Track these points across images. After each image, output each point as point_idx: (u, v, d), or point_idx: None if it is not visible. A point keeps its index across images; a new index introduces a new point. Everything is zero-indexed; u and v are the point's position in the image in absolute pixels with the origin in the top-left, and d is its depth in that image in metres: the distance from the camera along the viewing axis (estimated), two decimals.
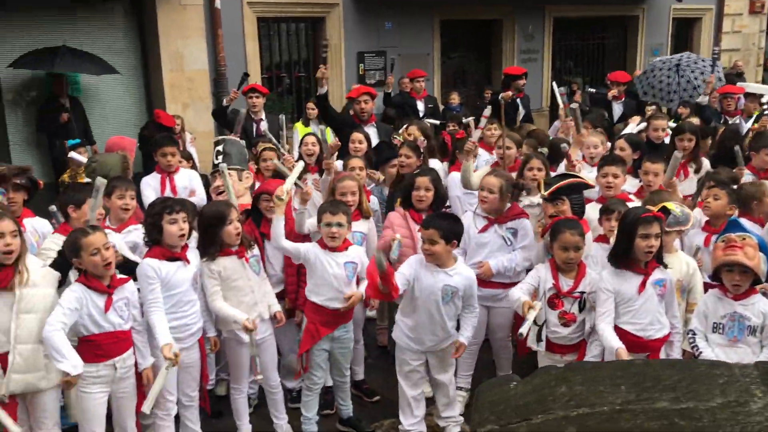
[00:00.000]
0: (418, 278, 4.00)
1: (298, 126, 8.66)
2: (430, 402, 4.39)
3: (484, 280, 4.42)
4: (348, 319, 4.29)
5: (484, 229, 4.56)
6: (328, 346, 4.24)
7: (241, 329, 3.97)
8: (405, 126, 6.76)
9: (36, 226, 4.39)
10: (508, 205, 4.59)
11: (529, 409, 1.40)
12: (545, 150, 5.96)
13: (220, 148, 5.03)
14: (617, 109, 8.72)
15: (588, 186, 4.56)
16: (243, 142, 5.23)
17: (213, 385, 4.85)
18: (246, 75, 8.07)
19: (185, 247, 3.97)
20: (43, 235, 4.40)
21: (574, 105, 6.41)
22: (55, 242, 3.94)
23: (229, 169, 4.90)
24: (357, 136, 6.03)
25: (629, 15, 14.10)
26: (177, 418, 4.05)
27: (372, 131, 6.63)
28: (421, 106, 9.33)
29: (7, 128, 8.95)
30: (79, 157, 5.64)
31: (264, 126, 7.19)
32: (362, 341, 4.92)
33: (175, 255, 3.89)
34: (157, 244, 3.89)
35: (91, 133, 8.98)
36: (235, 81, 9.26)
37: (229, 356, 4.30)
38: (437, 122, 7.76)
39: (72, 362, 3.34)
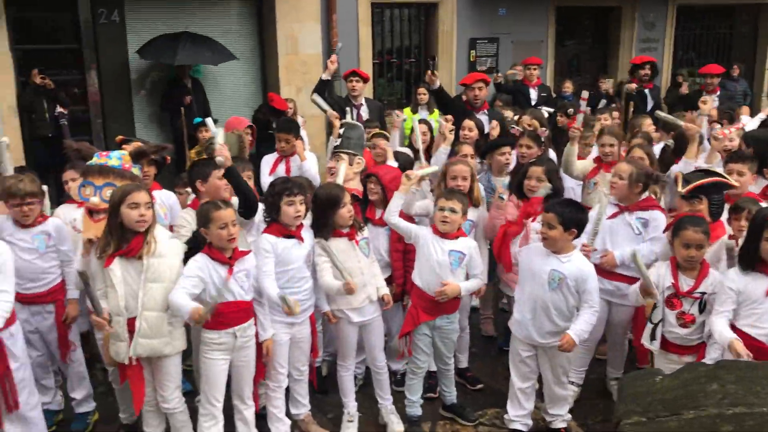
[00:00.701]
0: (530, 262, 3.96)
1: (406, 111, 8.68)
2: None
3: (608, 272, 4.30)
4: (452, 310, 4.26)
5: (612, 216, 4.42)
6: (429, 332, 4.24)
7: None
8: (518, 115, 6.65)
9: (163, 198, 4.63)
10: (645, 194, 4.42)
11: (678, 403, 1.34)
12: (671, 142, 5.70)
13: (341, 130, 5.12)
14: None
15: (731, 186, 4.29)
16: (362, 127, 5.29)
17: (319, 362, 4.97)
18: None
19: (300, 226, 4.08)
20: (170, 207, 4.64)
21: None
22: (186, 217, 4.14)
23: (342, 152, 5.00)
24: (468, 123, 5.98)
25: (763, 2, 13.21)
26: (287, 391, 4.19)
27: (484, 119, 6.55)
28: (534, 94, 9.13)
29: (133, 107, 9.45)
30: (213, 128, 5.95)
31: (364, 111, 7.20)
32: (468, 329, 4.89)
33: (290, 233, 4.01)
34: (274, 221, 4.02)
35: (211, 113, 9.34)
36: (347, 65, 9.42)
37: (336, 334, 4.39)
38: (551, 110, 7.56)
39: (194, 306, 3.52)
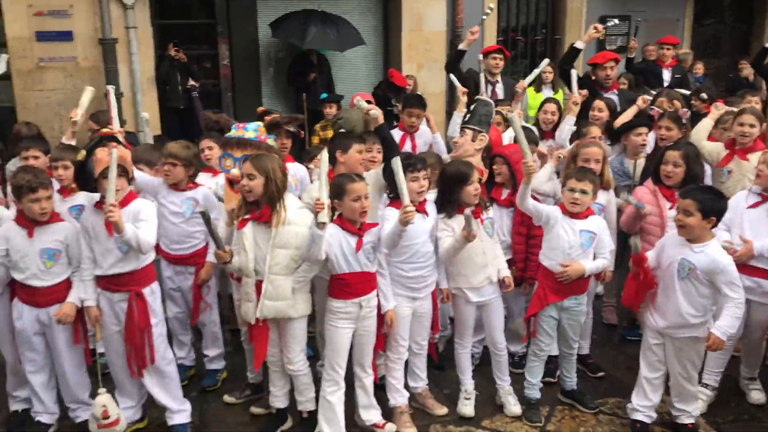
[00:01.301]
0: (663, 249, 3.83)
1: (529, 91, 8.46)
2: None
3: (748, 267, 4.06)
4: (581, 291, 4.17)
5: (754, 206, 4.16)
6: (556, 314, 4.15)
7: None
8: (653, 96, 6.33)
9: (295, 170, 4.76)
10: None
11: None
12: None
13: (472, 106, 5.06)
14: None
15: None
16: (492, 104, 5.21)
17: (436, 339, 4.98)
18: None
19: (424, 201, 4.08)
20: (300, 179, 4.77)
21: None
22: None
23: (467, 127, 4.94)
24: (598, 103, 5.78)
25: None
26: (405, 364, 4.24)
27: (613, 99, 6.29)
28: (666, 75, 8.67)
29: (261, 81, 9.77)
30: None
31: (499, 89, 7.07)
32: (591, 315, 4.75)
33: (415, 208, 4.02)
34: (397, 197, 4.04)
35: (334, 89, 9.51)
36: (474, 43, 9.27)
37: (455, 312, 4.38)
38: (686, 92, 7.15)
39: None
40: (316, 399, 4.02)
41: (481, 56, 7.16)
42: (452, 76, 6.41)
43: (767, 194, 4.14)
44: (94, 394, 3.99)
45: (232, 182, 4.10)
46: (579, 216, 4.05)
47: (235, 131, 4.19)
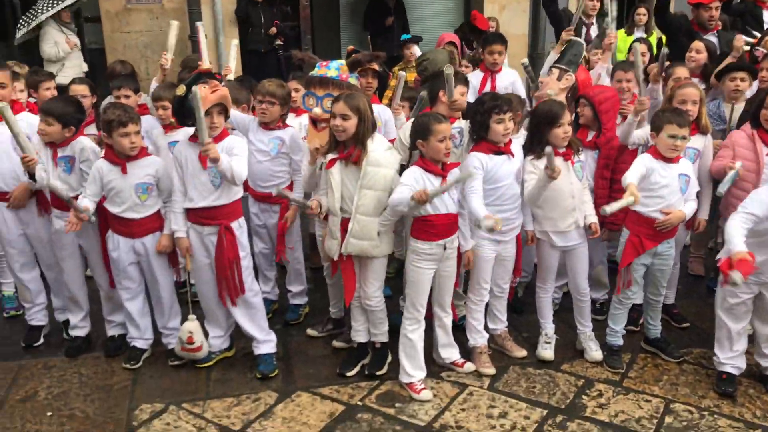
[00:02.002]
0: (759, 196, 3.65)
1: (620, 34, 8.10)
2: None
3: None
4: (672, 235, 4.06)
5: None
6: (648, 261, 4.05)
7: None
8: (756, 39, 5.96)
9: (380, 111, 4.72)
10: None
11: None
12: None
13: (563, 47, 4.94)
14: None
15: None
16: (584, 45, 5.04)
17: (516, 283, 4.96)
18: None
19: (509, 141, 4.01)
20: (385, 122, 4.75)
21: None
22: None
23: (555, 67, 4.82)
24: (697, 44, 5.50)
25: None
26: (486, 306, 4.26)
27: (713, 41, 5.97)
28: (767, 16, 8.13)
29: (340, 26, 9.73)
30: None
31: (594, 30, 6.79)
32: (678, 264, 4.62)
33: (500, 149, 3.97)
34: (483, 139, 3.99)
35: (410, 32, 9.36)
36: None
37: (538, 256, 4.34)
38: None
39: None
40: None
41: None
42: None
43: None
44: (184, 322, 4.17)
45: (315, 121, 4.12)
46: (673, 160, 3.90)
47: (318, 69, 4.17)
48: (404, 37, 7.21)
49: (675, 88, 4.40)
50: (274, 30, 8.77)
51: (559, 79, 4.74)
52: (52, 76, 5.30)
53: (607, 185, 4.45)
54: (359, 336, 4.20)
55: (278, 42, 8.76)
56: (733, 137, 4.38)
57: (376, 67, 4.68)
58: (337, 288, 4.31)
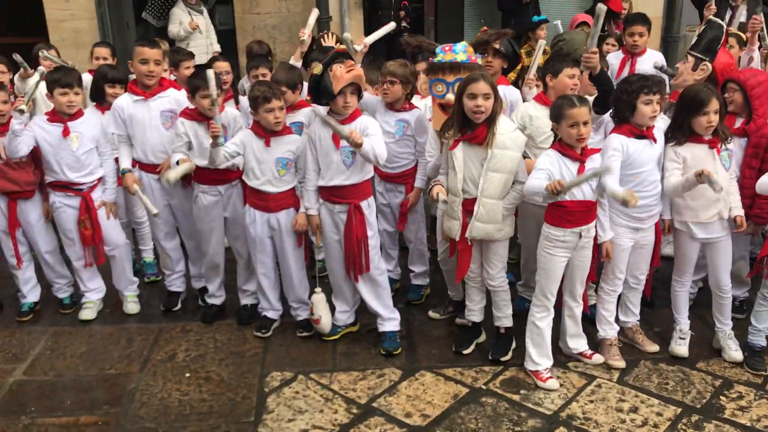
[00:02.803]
0: None
1: None
2: None
3: None
4: None
5: None
6: None
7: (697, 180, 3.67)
8: None
9: (506, 92, 4.64)
10: None
11: None
12: None
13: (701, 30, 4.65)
14: None
15: None
16: (724, 28, 4.74)
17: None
18: None
19: (652, 126, 3.84)
20: (511, 103, 4.65)
21: None
22: None
23: (690, 53, 4.55)
24: None
25: None
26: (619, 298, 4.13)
27: None
28: None
29: (464, 4, 9.61)
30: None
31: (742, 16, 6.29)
32: None
33: (643, 133, 3.81)
34: (625, 121, 3.84)
35: (540, 12, 9.09)
36: None
37: (676, 248, 4.14)
38: None
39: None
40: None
41: None
42: None
43: None
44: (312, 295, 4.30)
45: (443, 106, 4.06)
46: None
47: (443, 54, 4.08)
48: (536, 18, 7.01)
49: None
50: (402, 13, 8.76)
51: (694, 69, 4.47)
52: (192, 55, 5.56)
53: (755, 175, 4.14)
54: (474, 315, 4.20)
55: (404, 24, 8.74)
56: None
57: (497, 45, 4.57)
58: (452, 274, 4.29)
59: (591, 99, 3.92)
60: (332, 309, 4.36)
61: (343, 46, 4.42)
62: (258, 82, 4.32)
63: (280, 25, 9.05)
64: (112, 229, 4.62)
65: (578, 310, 3.98)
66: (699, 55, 4.45)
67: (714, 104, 3.75)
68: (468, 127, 3.78)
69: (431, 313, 4.63)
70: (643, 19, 5.45)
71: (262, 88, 4.03)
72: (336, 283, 4.33)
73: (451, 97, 3.98)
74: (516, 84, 6.44)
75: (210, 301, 4.72)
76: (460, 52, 4.06)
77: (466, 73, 3.96)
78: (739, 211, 3.93)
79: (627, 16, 6.03)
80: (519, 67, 6.75)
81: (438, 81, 4.05)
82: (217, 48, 8.68)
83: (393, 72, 4.44)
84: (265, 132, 4.09)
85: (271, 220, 4.23)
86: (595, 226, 3.78)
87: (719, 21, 4.78)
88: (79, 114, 4.43)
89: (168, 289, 4.87)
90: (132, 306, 4.79)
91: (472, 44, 4.21)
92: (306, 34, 5.04)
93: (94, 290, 4.74)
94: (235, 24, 9.29)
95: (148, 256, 5.26)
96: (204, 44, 8.51)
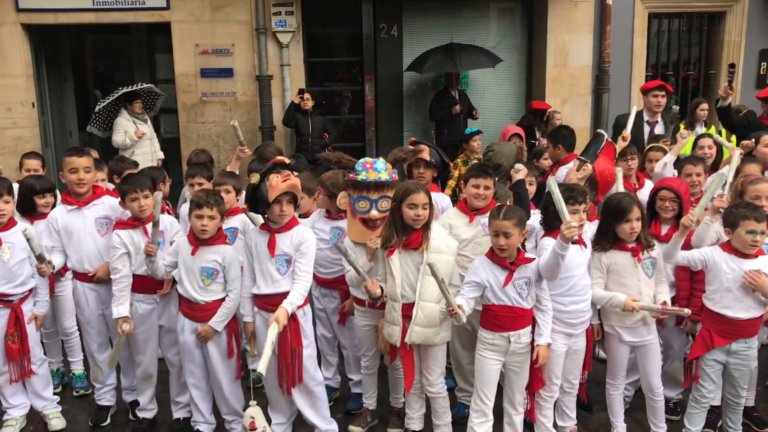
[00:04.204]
0: None
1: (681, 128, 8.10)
2: None
3: None
4: (751, 334, 3.91)
5: None
6: (722, 358, 3.91)
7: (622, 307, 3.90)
8: None
9: (437, 199, 4.76)
10: None
11: None
12: None
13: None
14: None
15: None
16: (605, 136, 5.16)
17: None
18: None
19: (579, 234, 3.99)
20: (442, 209, 4.80)
21: None
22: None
23: (580, 158, 4.93)
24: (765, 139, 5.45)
25: None
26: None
27: None
28: None
29: (404, 117, 10.00)
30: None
31: (660, 129, 6.74)
32: (757, 364, 4.41)
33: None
34: (556, 229, 3.97)
35: (468, 125, 9.55)
36: (619, 78, 9.02)
37: (607, 351, 4.23)
38: None
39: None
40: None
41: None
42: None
43: None
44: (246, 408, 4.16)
45: (365, 220, 4.12)
46: (750, 256, 3.81)
47: (366, 173, 4.14)
48: (469, 130, 7.35)
49: (746, 183, 4.35)
50: (326, 134, 8.72)
51: (577, 169, 4.82)
52: (135, 164, 5.60)
53: (688, 278, 4.29)
54: (414, 423, 4.17)
55: (327, 151, 8.73)
56: None
57: (426, 157, 4.76)
58: (398, 377, 4.28)
59: None
60: (268, 421, 4.22)
61: (281, 158, 4.53)
62: (202, 190, 4.36)
63: (224, 133, 9.25)
64: (36, 344, 4.45)
65: (518, 419, 3.97)
66: (581, 158, 4.90)
67: (636, 212, 3.94)
68: (404, 233, 3.88)
69: (351, 428, 4.49)
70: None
71: (199, 194, 4.08)
72: (271, 395, 4.22)
73: (375, 213, 4.07)
74: (455, 192, 6.72)
75: (141, 414, 4.53)
76: (382, 170, 4.14)
77: (390, 190, 4.07)
78: (665, 297, 4.04)
79: (552, 132, 6.28)
80: (457, 174, 7.06)
81: (362, 198, 4.12)
82: (161, 155, 8.78)
83: (322, 181, 4.55)
84: (195, 240, 4.09)
85: (199, 330, 4.14)
86: (531, 332, 3.84)
87: (604, 132, 5.22)
88: (11, 223, 4.34)
89: (97, 403, 4.67)
90: (56, 422, 4.55)
91: (390, 162, 4.36)
92: (246, 152, 5.22)
93: (17, 407, 4.49)
94: (179, 132, 9.44)
95: (78, 368, 5.05)
96: (149, 151, 8.61)
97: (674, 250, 3.89)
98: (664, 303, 3.99)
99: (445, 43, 9.12)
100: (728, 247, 3.89)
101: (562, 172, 5.54)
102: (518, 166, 4.65)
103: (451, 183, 6.96)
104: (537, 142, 8.05)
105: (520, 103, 10.27)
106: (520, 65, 10.20)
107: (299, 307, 3.94)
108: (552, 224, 3.97)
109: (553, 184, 3.66)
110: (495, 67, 9.18)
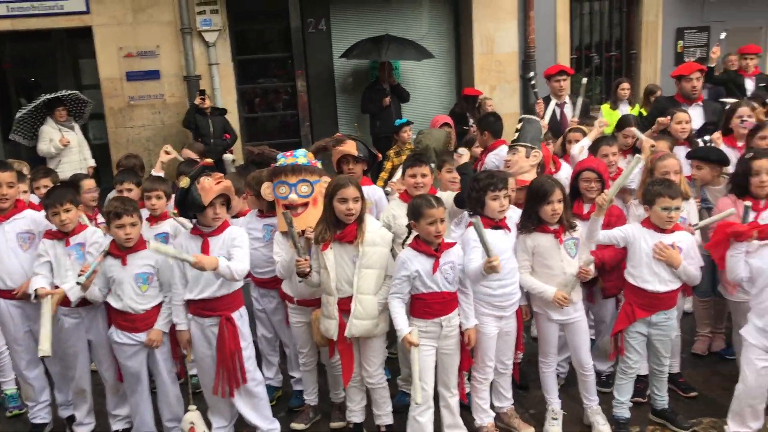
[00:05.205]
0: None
1: (605, 108, 8.35)
2: None
3: None
4: (670, 306, 4.07)
5: None
6: (645, 330, 4.07)
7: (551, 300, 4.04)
8: (731, 106, 6.14)
9: (370, 192, 4.82)
10: None
11: None
12: None
13: (519, 125, 5.12)
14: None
15: None
16: (541, 123, 5.26)
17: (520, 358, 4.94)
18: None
19: (505, 217, 4.09)
20: (376, 201, 4.85)
21: None
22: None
23: (518, 145, 4.98)
24: (683, 116, 5.65)
25: None
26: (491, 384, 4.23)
27: (697, 111, 6.15)
28: (750, 84, 8.40)
29: (337, 109, 10.01)
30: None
31: (568, 110, 6.92)
32: (680, 332, 4.61)
33: (497, 224, 4.05)
34: (480, 215, 4.07)
35: (401, 115, 9.62)
36: (544, 62, 9.24)
37: (538, 330, 4.35)
38: None
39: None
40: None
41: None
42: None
43: None
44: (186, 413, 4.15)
45: (287, 206, 4.12)
46: (666, 231, 3.97)
47: (285, 159, 4.20)
48: (401, 121, 7.41)
49: (655, 159, 4.52)
50: (227, 135, 8.55)
51: (527, 156, 4.88)
52: (47, 173, 5.45)
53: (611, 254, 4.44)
54: (355, 416, 4.22)
55: (228, 154, 8.59)
56: (720, 205, 4.44)
57: (353, 153, 4.78)
58: (337, 371, 4.30)
59: (453, 195, 4.22)
60: (209, 425, 4.21)
61: (209, 160, 4.49)
62: (114, 198, 4.28)
63: (154, 137, 9.08)
64: None
65: (453, 401, 4.04)
66: (529, 145, 4.92)
67: (557, 194, 4.04)
68: (337, 227, 3.91)
69: (294, 425, 4.49)
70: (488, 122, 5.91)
71: (115, 203, 4.01)
72: (211, 399, 4.18)
73: (294, 197, 4.09)
74: (386, 183, 6.76)
75: (78, 429, 4.45)
76: (301, 156, 4.20)
77: (309, 174, 4.12)
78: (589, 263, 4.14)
79: (480, 119, 6.39)
80: (390, 166, 7.12)
81: (281, 183, 4.12)
82: (92, 163, 8.55)
83: (248, 183, 4.54)
84: (120, 250, 4.03)
85: (141, 339, 4.08)
86: (459, 315, 3.93)
87: (535, 118, 5.34)
88: None
89: (31, 422, 4.57)
90: None
91: (312, 151, 4.38)
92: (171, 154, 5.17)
93: None
94: (108, 138, 9.24)
95: (9, 388, 4.91)
96: (77, 159, 8.38)
97: (594, 230, 4.03)
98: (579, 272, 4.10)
99: (380, 35, 9.17)
100: (648, 222, 4.05)
101: (491, 158, 5.66)
102: (461, 150, 4.81)
103: (383, 175, 7.01)
104: (470, 129, 8.17)
105: (452, 92, 10.40)
106: (449, 55, 10.33)
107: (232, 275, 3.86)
108: (476, 211, 4.06)
109: (478, 226, 3.72)
110: (422, 60, 9.27)
